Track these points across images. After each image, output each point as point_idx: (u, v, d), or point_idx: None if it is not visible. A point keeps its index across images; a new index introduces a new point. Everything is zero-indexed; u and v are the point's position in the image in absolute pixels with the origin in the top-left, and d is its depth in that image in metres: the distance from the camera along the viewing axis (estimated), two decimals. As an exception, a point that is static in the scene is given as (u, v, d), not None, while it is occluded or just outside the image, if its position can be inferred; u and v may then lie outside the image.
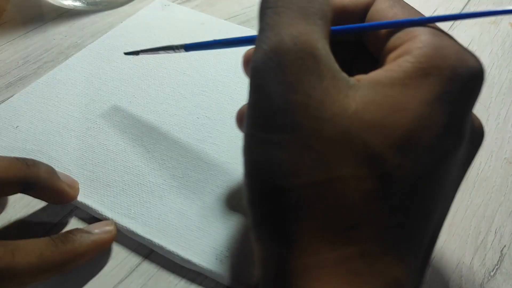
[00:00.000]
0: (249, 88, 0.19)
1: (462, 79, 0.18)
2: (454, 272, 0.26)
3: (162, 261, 0.26)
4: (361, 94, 0.17)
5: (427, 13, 0.43)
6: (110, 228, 0.26)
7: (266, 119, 0.18)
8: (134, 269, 0.26)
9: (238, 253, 0.26)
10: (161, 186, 0.29)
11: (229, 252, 0.26)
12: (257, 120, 0.18)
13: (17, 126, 0.32)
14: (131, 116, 0.33)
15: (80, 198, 0.28)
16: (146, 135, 0.32)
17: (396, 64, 0.18)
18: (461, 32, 0.43)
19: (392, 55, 0.19)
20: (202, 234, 0.27)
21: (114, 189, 0.29)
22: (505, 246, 0.28)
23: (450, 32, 0.43)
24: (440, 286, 0.26)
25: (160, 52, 0.30)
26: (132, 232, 0.27)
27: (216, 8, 0.45)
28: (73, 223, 0.28)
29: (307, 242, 0.17)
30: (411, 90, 0.17)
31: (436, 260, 0.27)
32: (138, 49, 0.31)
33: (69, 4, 0.45)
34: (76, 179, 0.29)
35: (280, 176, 0.17)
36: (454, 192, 0.20)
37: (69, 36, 0.41)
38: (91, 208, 0.28)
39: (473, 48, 0.41)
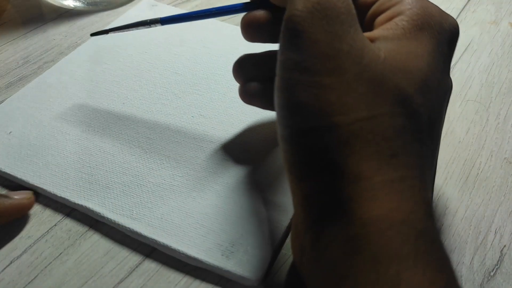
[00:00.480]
0: (287, 37, 0.21)
1: (447, 32, 0.22)
2: (454, 271, 0.26)
3: (162, 261, 0.26)
4: (384, 46, 0.21)
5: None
6: (28, 195, 0.28)
7: (315, 63, 0.20)
8: (134, 269, 0.26)
9: (243, 248, 0.26)
10: (161, 186, 0.29)
11: (234, 248, 0.26)
12: (303, 64, 0.20)
13: (10, 132, 0.32)
14: (125, 118, 0.33)
15: (80, 201, 0.28)
16: (142, 135, 0.32)
17: (394, 23, 0.21)
18: (461, 32, 0.43)
19: (381, 18, 0.22)
20: (206, 231, 0.27)
21: (114, 190, 0.29)
22: (505, 246, 0.28)
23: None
24: (440, 286, 0.26)
25: (132, 28, 0.30)
26: (136, 233, 0.27)
27: (216, 8, 0.45)
28: (71, 225, 0.28)
29: (358, 170, 0.19)
30: (415, 42, 0.21)
31: (436, 260, 0.27)
32: (107, 28, 0.31)
33: (69, 4, 0.45)
34: (74, 182, 0.29)
35: (331, 114, 0.19)
36: (442, 127, 0.24)
37: (69, 36, 0.41)
38: (92, 211, 0.28)
39: (473, 48, 0.41)
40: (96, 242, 0.27)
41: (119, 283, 0.25)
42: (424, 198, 0.20)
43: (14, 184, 0.30)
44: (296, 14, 0.20)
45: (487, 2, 0.47)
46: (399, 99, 0.20)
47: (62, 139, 0.31)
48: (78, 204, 0.28)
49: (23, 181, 0.29)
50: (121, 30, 0.30)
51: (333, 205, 0.20)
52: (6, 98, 0.35)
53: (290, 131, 0.21)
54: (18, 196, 0.28)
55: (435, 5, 0.22)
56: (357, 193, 0.19)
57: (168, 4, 0.46)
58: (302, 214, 0.21)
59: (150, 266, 0.26)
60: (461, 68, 0.39)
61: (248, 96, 0.29)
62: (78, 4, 0.45)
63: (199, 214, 0.27)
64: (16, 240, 0.27)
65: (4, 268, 0.26)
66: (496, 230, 0.28)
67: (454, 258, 0.27)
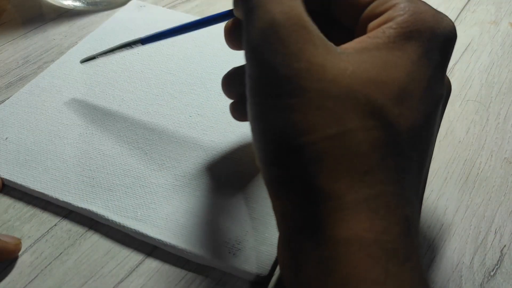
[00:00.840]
0: (248, 63, 0.21)
1: (440, 39, 0.21)
2: (454, 272, 0.26)
3: (162, 261, 0.26)
4: (353, 58, 0.20)
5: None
6: (14, 241, 0.26)
7: (275, 87, 0.19)
8: (134, 269, 0.26)
9: (249, 245, 0.26)
10: (164, 187, 0.29)
11: (240, 245, 0.26)
12: (264, 89, 0.20)
13: (7, 138, 0.31)
14: (123, 119, 0.33)
15: (84, 204, 0.28)
16: (141, 137, 0.32)
17: (381, 31, 0.20)
18: (461, 32, 0.43)
19: (373, 23, 0.21)
20: (212, 229, 0.27)
21: (117, 193, 0.29)
22: (505, 246, 0.28)
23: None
24: (440, 286, 0.26)
25: (117, 51, 0.31)
26: (142, 234, 0.27)
27: (216, 8, 0.45)
28: (71, 225, 0.28)
29: (329, 189, 0.18)
30: (397, 52, 0.20)
31: (436, 260, 0.27)
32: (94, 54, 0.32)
33: (69, 4, 0.45)
34: (76, 186, 0.29)
35: (297, 135, 0.19)
36: (435, 138, 0.23)
37: (69, 36, 0.41)
38: (96, 214, 0.28)
39: (473, 48, 0.41)
40: (96, 242, 0.27)
41: (119, 283, 0.25)
42: (401, 215, 0.19)
43: (15, 190, 0.29)
44: (251, 43, 0.20)
45: (487, 2, 0.47)
46: (371, 111, 0.19)
47: (60, 143, 0.31)
48: (81, 208, 0.28)
49: (23, 186, 0.29)
50: (107, 54, 0.31)
51: (306, 224, 0.19)
52: (7, 98, 0.35)
53: (262, 153, 0.21)
54: (3, 239, 0.26)
55: (430, 7, 0.21)
56: (328, 213, 0.18)
57: (166, 5, 0.46)
58: (280, 232, 0.21)
59: (151, 266, 0.26)
60: (461, 68, 0.39)
61: (239, 115, 0.29)
62: (78, 4, 0.45)
63: (204, 213, 0.28)
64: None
65: (4, 268, 0.26)
66: (496, 230, 0.28)
67: (454, 257, 0.27)
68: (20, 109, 0.34)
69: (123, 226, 0.27)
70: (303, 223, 0.19)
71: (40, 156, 0.30)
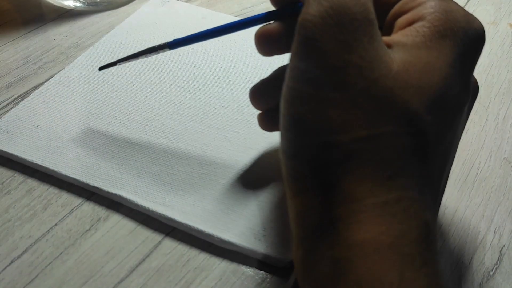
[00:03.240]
0: (297, 41, 0.19)
1: (471, 40, 0.20)
2: (454, 271, 0.26)
3: (162, 261, 0.26)
4: (398, 56, 0.19)
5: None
6: None
7: (319, 75, 0.19)
8: (134, 269, 0.26)
9: (275, 232, 0.27)
10: (191, 174, 0.30)
11: (266, 232, 0.27)
12: (308, 75, 0.19)
13: (38, 126, 0.33)
14: (149, 110, 0.34)
15: (114, 190, 0.29)
16: (167, 127, 0.33)
17: (414, 30, 0.20)
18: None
19: (401, 20, 0.20)
20: (238, 216, 0.28)
21: (145, 179, 0.29)
22: (504, 245, 0.28)
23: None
24: (439, 285, 0.26)
25: (141, 57, 0.29)
26: (170, 219, 0.28)
27: (216, 8, 0.45)
28: (71, 224, 0.28)
29: (350, 191, 0.18)
30: (435, 52, 0.19)
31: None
32: (121, 57, 0.29)
33: (69, 5, 0.45)
34: (106, 172, 0.30)
35: (330, 132, 0.19)
36: (459, 141, 0.23)
37: (70, 36, 0.41)
38: (125, 199, 0.28)
39: (473, 48, 0.41)
40: (96, 241, 0.27)
41: (119, 283, 0.26)
42: (420, 220, 0.19)
43: (45, 175, 0.30)
44: (308, 19, 0.19)
45: (486, 2, 0.47)
46: (406, 117, 0.18)
47: (89, 132, 0.32)
48: (112, 193, 0.29)
49: (55, 172, 0.30)
50: (129, 60, 0.29)
51: (323, 224, 0.19)
52: (7, 98, 0.35)
53: (288, 144, 0.20)
54: None
55: (460, 7, 0.20)
56: (346, 215, 0.18)
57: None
58: (294, 230, 0.21)
59: (151, 265, 0.26)
60: (460, 68, 0.39)
61: (267, 125, 0.28)
62: (78, 4, 0.45)
63: (230, 200, 0.28)
64: (16, 239, 0.27)
65: (5, 268, 0.26)
66: (496, 230, 0.28)
67: (454, 257, 0.27)
68: (50, 98, 0.35)
69: (152, 212, 0.28)
70: (320, 223, 0.19)
71: (71, 143, 0.31)
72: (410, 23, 0.20)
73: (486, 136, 0.34)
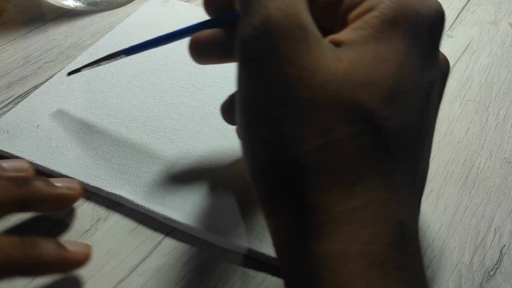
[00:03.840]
0: (238, 63, 0.19)
1: (427, 20, 0.19)
2: (454, 271, 0.26)
3: (162, 261, 0.26)
4: (344, 56, 0.18)
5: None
6: (84, 251, 0.25)
7: (264, 93, 0.18)
8: (134, 269, 0.26)
9: None
10: (191, 174, 0.30)
11: (266, 231, 0.27)
12: (254, 96, 0.19)
13: (38, 125, 0.33)
14: (149, 109, 0.34)
15: (114, 190, 0.29)
16: (167, 126, 0.33)
17: (363, 22, 0.19)
18: (460, 32, 0.43)
19: (354, 13, 0.20)
20: (238, 216, 0.28)
21: (145, 179, 0.29)
22: (504, 245, 0.28)
23: (449, 32, 0.43)
24: (439, 285, 0.26)
25: (102, 63, 0.30)
26: (170, 219, 0.28)
27: None
28: (71, 224, 0.28)
29: (316, 204, 0.18)
30: (385, 42, 0.18)
31: (436, 260, 0.27)
32: (81, 65, 0.31)
33: (69, 5, 0.45)
34: (105, 172, 0.30)
35: (285, 148, 0.18)
36: (435, 122, 0.21)
37: (70, 36, 0.41)
38: (125, 199, 0.28)
39: (473, 48, 0.41)
40: (97, 241, 0.27)
41: (119, 283, 0.26)
42: (393, 220, 0.18)
43: (46, 176, 0.30)
44: (242, 41, 0.19)
45: (487, 2, 0.47)
46: (360, 117, 0.18)
47: (89, 132, 0.32)
48: (112, 193, 0.29)
49: (55, 172, 0.30)
50: (93, 66, 0.31)
51: (296, 241, 0.18)
52: (7, 98, 0.35)
53: (249, 167, 0.20)
54: (72, 248, 0.24)
55: None
56: (316, 228, 0.18)
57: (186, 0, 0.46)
58: (274, 247, 0.20)
59: (151, 265, 0.26)
60: (460, 68, 0.39)
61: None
62: (78, 4, 0.45)
63: (230, 200, 0.29)
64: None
65: (5, 268, 0.26)
66: (496, 230, 0.28)
67: (454, 257, 0.27)
68: (50, 98, 0.35)
69: (152, 212, 0.28)
70: (291, 241, 0.19)
71: (71, 143, 0.31)
72: (362, 15, 0.19)
73: (486, 136, 0.34)
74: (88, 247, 0.25)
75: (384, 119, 0.18)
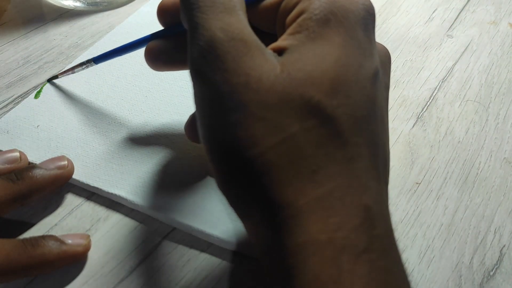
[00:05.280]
0: (192, 83, 0.21)
1: (356, 14, 0.21)
2: (454, 271, 0.26)
3: (162, 261, 0.26)
4: (286, 60, 0.20)
5: (427, 13, 0.43)
6: (83, 241, 0.26)
7: (217, 105, 0.20)
8: (134, 269, 0.26)
9: None
10: (191, 175, 0.30)
11: None
12: (209, 107, 0.20)
13: (38, 126, 0.33)
14: (149, 109, 0.34)
15: (114, 190, 0.29)
16: (167, 126, 0.33)
17: (298, 25, 0.20)
18: (460, 32, 0.43)
19: (289, 18, 0.21)
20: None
21: (145, 179, 0.29)
22: (504, 245, 0.28)
23: (449, 33, 0.43)
24: (439, 285, 0.26)
25: (76, 70, 0.33)
26: (170, 219, 0.28)
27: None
28: (71, 225, 0.28)
29: (280, 199, 0.18)
30: (321, 40, 0.20)
31: (436, 260, 0.27)
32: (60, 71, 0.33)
33: (69, 5, 0.45)
34: (105, 172, 0.30)
35: (243, 150, 0.19)
36: (387, 112, 0.23)
37: (70, 36, 0.41)
38: (125, 199, 0.28)
39: (473, 48, 0.41)
40: (97, 241, 0.27)
41: (119, 283, 0.26)
42: (358, 205, 0.19)
43: None
44: (193, 62, 0.20)
45: (487, 2, 0.47)
46: (308, 110, 0.19)
47: (89, 132, 0.32)
48: (112, 193, 0.29)
49: None
50: (67, 73, 0.34)
51: (269, 238, 0.19)
52: (7, 98, 0.35)
53: (218, 175, 0.20)
54: (72, 241, 0.26)
55: None
56: (284, 223, 0.18)
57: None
58: (254, 248, 0.21)
59: (151, 265, 0.26)
60: (460, 68, 0.39)
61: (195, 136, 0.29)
62: (78, 4, 0.45)
63: None
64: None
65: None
66: (496, 230, 0.28)
67: (454, 257, 0.27)
68: (50, 98, 0.35)
69: (152, 211, 0.28)
70: (266, 238, 0.19)
71: (71, 144, 0.31)
72: (296, 19, 0.21)
73: (486, 136, 0.34)
74: (86, 236, 0.26)
75: (333, 108, 0.19)
